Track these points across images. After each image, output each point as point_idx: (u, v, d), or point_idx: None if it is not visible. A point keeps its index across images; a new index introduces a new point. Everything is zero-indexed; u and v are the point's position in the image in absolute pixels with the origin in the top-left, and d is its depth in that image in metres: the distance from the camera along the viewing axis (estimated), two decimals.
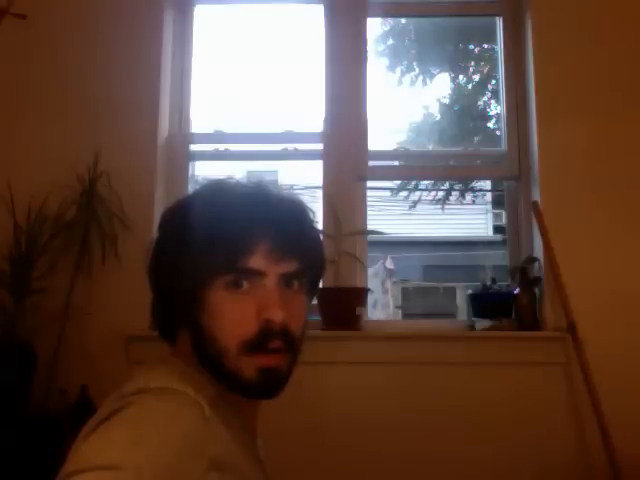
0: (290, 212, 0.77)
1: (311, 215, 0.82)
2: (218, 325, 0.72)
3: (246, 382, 0.72)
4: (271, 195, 0.77)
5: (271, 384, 0.73)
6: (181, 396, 0.66)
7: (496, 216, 6.76)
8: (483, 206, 6.68)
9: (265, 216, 0.73)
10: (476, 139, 4.30)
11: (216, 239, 0.71)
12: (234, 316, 0.71)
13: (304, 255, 0.76)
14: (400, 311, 5.60)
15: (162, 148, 2.15)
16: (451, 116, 4.16)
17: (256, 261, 0.71)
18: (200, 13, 2.36)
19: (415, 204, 4.81)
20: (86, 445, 0.59)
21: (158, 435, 0.59)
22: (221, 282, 0.71)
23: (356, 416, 1.88)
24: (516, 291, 2.02)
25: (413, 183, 4.34)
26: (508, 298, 2.04)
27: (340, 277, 2.02)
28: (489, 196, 6.20)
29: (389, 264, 5.32)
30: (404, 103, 4.59)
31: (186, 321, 0.76)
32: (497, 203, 6.23)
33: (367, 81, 2.25)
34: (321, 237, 0.85)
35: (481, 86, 4.01)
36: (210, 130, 2.36)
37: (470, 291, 2.17)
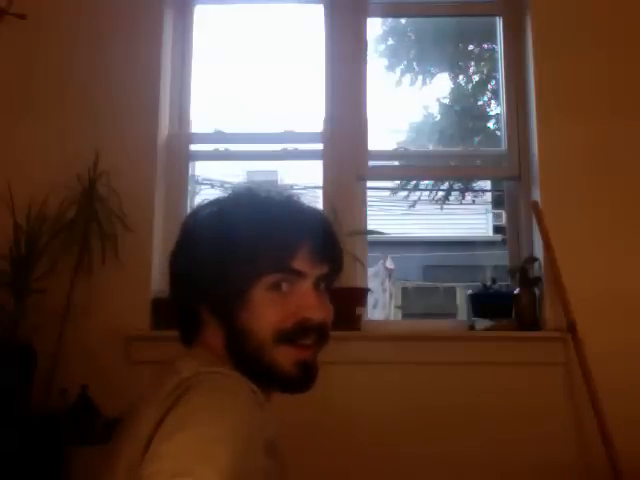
0: (322, 221, 0.86)
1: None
2: (256, 321, 0.76)
3: (285, 376, 0.77)
4: (304, 204, 0.86)
5: (308, 377, 0.80)
6: (238, 379, 0.71)
7: (496, 216, 6.75)
8: (483, 206, 6.68)
9: (306, 222, 0.82)
10: (476, 139, 4.30)
11: (265, 241, 0.77)
12: (273, 314, 0.77)
13: (334, 259, 0.84)
14: (400, 311, 5.60)
15: (162, 148, 2.15)
16: (451, 116, 4.15)
17: (300, 263, 0.78)
18: (200, 13, 2.36)
19: (415, 203, 4.81)
20: (171, 443, 0.59)
21: (238, 424, 0.63)
22: (264, 283, 0.77)
23: (356, 416, 1.88)
24: (516, 291, 2.02)
25: (413, 183, 4.35)
26: (508, 298, 2.04)
27: (340, 277, 2.02)
28: (489, 196, 6.19)
29: (389, 264, 5.32)
30: (404, 103, 4.59)
31: (222, 319, 0.79)
32: (497, 203, 6.22)
33: (367, 81, 2.25)
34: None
35: (481, 86, 4.01)
36: (210, 130, 2.36)
37: (470, 291, 2.17)
